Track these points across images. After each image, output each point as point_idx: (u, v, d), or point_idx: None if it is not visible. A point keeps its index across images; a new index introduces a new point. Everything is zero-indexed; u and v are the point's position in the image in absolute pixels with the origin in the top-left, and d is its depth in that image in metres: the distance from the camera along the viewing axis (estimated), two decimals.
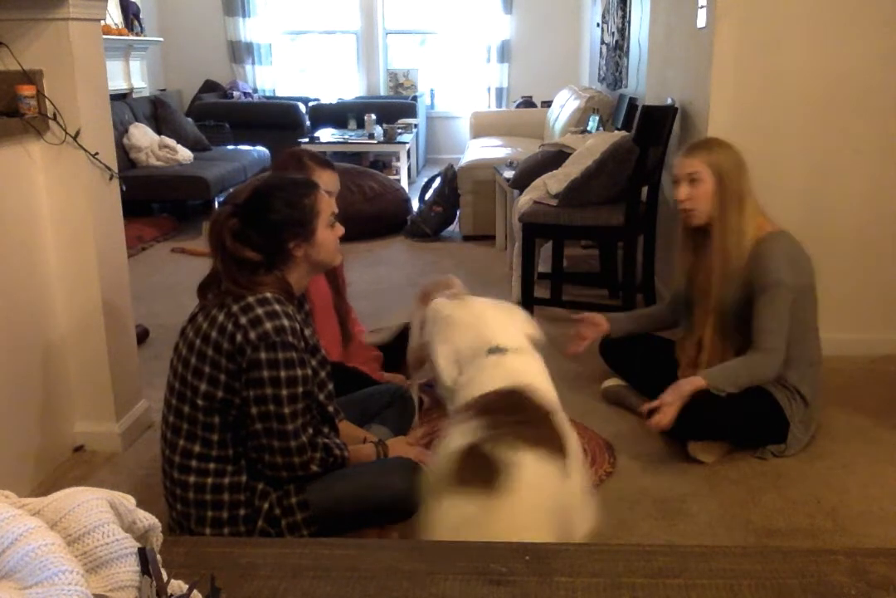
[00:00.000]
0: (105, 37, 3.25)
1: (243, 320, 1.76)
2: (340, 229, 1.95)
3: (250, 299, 1.78)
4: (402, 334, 2.83)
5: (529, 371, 1.76)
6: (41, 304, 2.50)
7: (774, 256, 2.47)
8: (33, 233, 2.45)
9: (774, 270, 2.46)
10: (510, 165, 5.03)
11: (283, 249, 1.86)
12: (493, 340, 1.79)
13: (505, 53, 8.62)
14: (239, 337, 1.75)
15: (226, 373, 1.77)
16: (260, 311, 1.77)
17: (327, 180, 2.43)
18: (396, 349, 2.77)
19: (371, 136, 7.02)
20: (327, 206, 1.92)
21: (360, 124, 7.32)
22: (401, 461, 1.96)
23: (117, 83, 6.66)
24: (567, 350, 2.84)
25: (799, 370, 2.55)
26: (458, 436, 1.50)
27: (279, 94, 8.89)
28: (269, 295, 1.80)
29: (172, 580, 0.70)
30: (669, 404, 2.42)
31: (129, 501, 0.69)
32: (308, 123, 7.89)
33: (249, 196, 1.87)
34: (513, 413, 1.54)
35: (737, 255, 2.49)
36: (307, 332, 1.90)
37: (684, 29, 3.66)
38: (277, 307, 1.78)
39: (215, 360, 1.77)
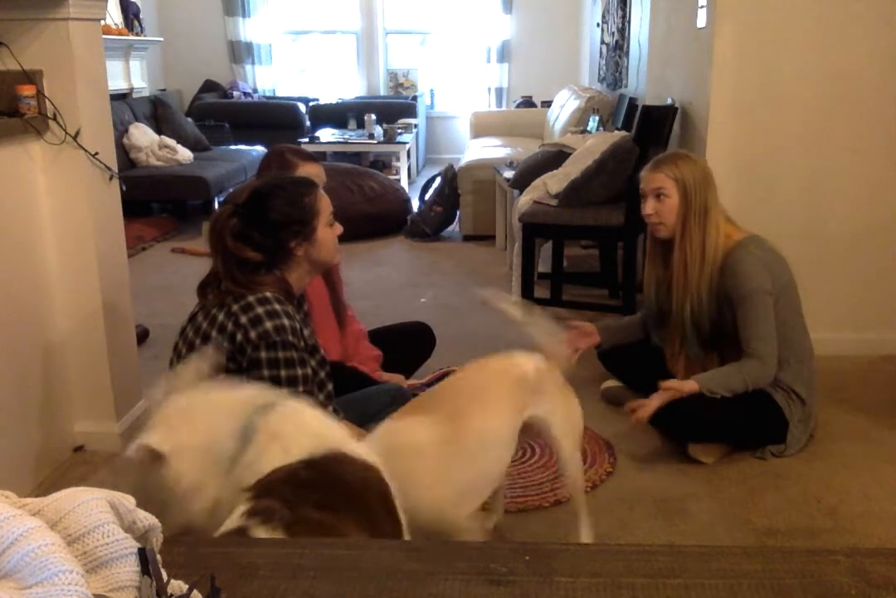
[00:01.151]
0: (105, 37, 3.24)
1: (243, 320, 1.76)
2: (339, 228, 1.95)
3: (250, 299, 1.78)
4: (402, 339, 2.87)
5: None
6: (41, 304, 2.49)
7: (746, 264, 2.48)
8: (33, 233, 2.45)
9: (749, 278, 2.47)
10: (510, 165, 5.03)
11: (284, 249, 1.86)
12: None
13: (505, 53, 8.62)
14: (239, 336, 1.75)
15: (226, 373, 1.77)
16: (260, 310, 1.77)
17: (313, 173, 2.42)
18: (396, 349, 2.77)
19: (371, 136, 7.02)
20: (327, 205, 1.92)
21: (360, 124, 7.32)
22: None
23: (117, 83, 6.66)
24: None
25: (790, 369, 2.55)
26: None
27: (279, 94, 8.88)
28: (269, 294, 1.80)
29: (172, 581, 0.70)
30: (653, 401, 2.44)
31: (129, 501, 0.69)
32: (308, 123, 7.88)
33: (250, 196, 1.88)
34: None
35: (699, 267, 2.51)
36: (306, 332, 1.90)
37: (684, 29, 3.66)
38: (278, 307, 1.79)
39: None
